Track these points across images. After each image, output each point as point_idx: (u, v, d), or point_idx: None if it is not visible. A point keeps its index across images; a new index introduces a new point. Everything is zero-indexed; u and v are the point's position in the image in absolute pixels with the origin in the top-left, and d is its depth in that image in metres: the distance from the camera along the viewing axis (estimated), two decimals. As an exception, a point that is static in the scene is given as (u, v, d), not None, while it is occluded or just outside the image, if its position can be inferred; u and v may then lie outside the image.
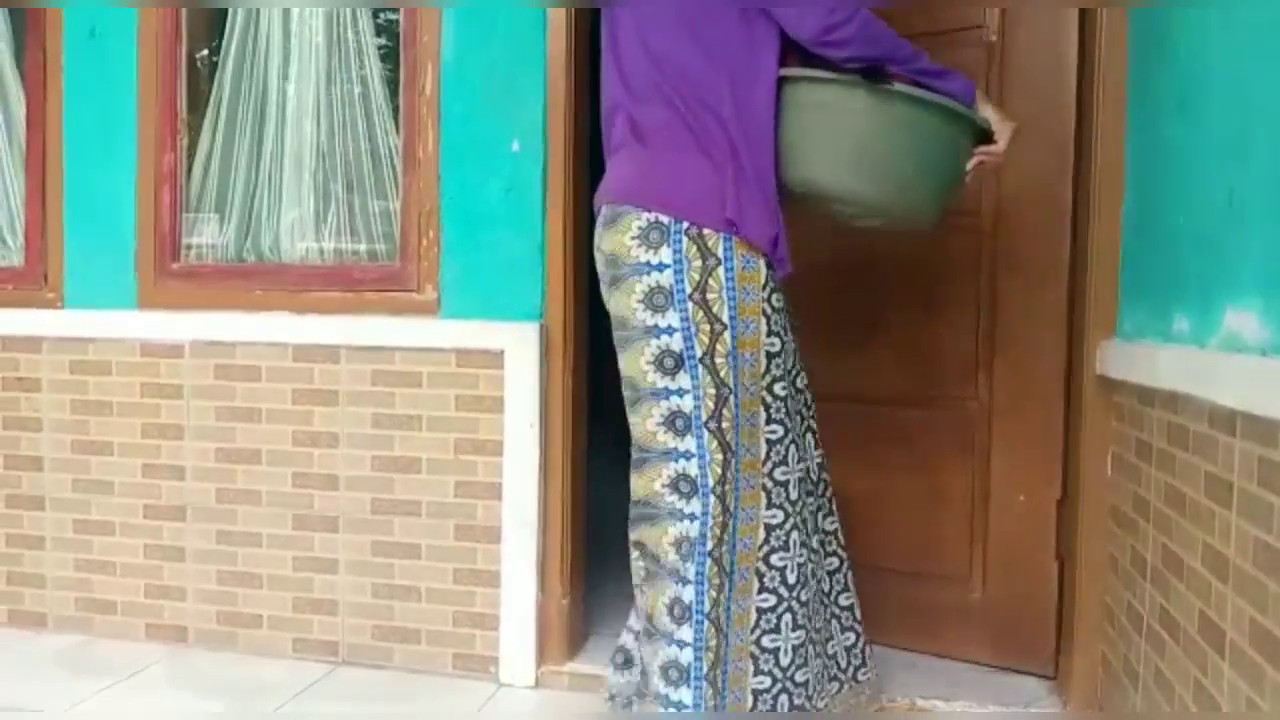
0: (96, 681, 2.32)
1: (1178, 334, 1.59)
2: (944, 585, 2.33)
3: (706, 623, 1.67)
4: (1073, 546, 2.09)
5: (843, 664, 1.89)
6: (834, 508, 1.91)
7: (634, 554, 1.77)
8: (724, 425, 1.67)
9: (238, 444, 2.48)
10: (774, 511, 1.72)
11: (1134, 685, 1.74)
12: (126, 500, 2.56)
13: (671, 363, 1.68)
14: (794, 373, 1.80)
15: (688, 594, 1.67)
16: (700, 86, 1.65)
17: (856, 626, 1.91)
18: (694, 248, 1.65)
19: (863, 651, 1.92)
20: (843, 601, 1.90)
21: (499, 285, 2.32)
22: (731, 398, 1.67)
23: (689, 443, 1.68)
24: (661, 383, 1.69)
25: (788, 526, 1.74)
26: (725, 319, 1.66)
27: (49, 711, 2.16)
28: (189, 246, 2.62)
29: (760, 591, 1.71)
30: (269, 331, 2.45)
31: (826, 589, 1.87)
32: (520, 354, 2.29)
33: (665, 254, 1.65)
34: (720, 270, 1.66)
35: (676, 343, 1.67)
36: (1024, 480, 2.24)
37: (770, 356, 1.71)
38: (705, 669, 1.68)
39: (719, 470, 1.67)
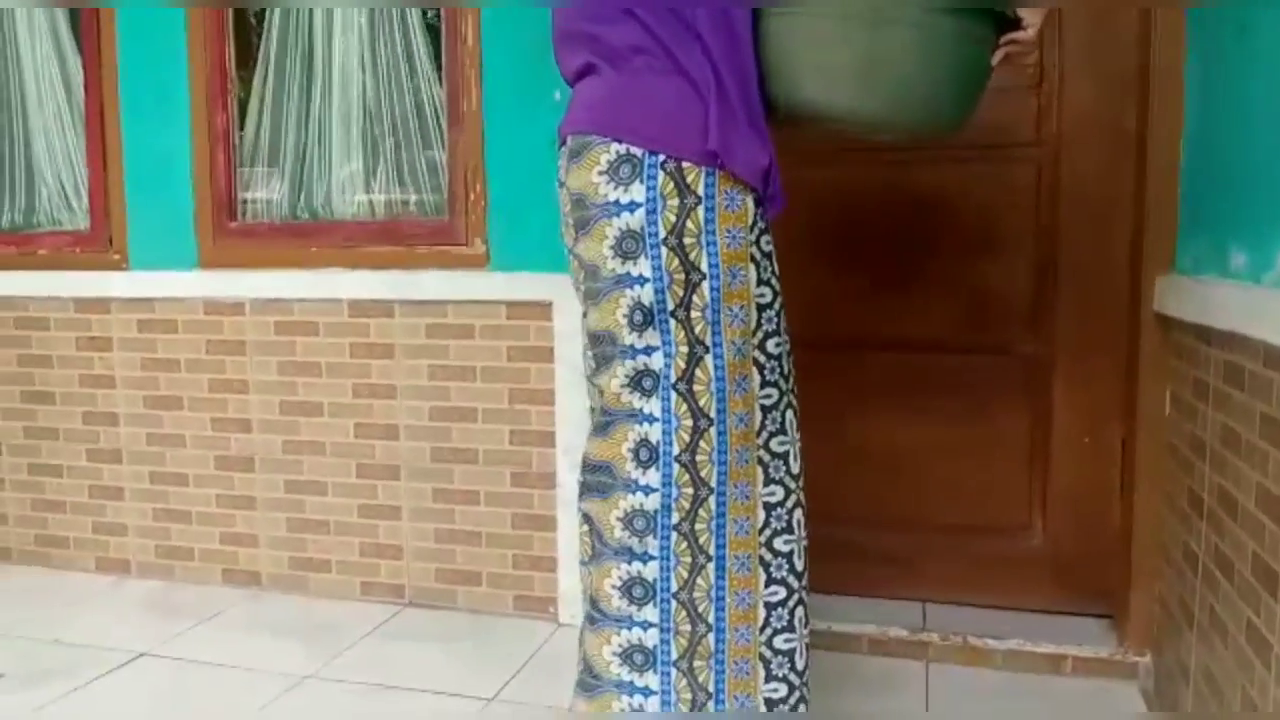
0: (180, 623, 2.45)
1: (1235, 270, 1.55)
2: (1001, 535, 2.30)
3: (674, 603, 1.49)
4: (1131, 487, 2.07)
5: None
6: (797, 524, 1.56)
7: (582, 526, 1.57)
8: (696, 388, 1.45)
9: (300, 397, 2.56)
10: (772, 488, 1.52)
11: (1189, 625, 1.74)
12: (198, 452, 2.67)
13: (640, 317, 1.45)
14: (788, 329, 1.57)
15: (650, 571, 1.48)
16: None
17: (792, 679, 1.55)
18: (671, 184, 1.41)
19: (794, 708, 1.57)
20: (779, 644, 1.54)
21: (546, 237, 2.32)
22: (709, 357, 1.45)
23: (653, 405, 1.47)
24: (629, 339, 1.47)
25: (790, 504, 1.54)
26: (704, 267, 1.43)
27: (141, 650, 2.29)
28: (245, 202, 2.67)
29: (769, 584, 1.52)
30: (325, 288, 2.51)
31: (760, 624, 1.52)
32: (568, 304, 2.30)
33: (638, 191, 1.41)
34: (700, 210, 1.42)
35: (648, 294, 1.44)
36: (1089, 422, 2.21)
37: (761, 309, 1.49)
38: (675, 655, 1.49)
39: (686, 438, 1.46)
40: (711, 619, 1.49)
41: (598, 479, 1.53)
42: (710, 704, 1.50)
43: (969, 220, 2.28)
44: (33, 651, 2.30)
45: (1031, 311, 2.25)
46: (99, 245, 2.73)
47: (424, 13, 2.53)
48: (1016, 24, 1.47)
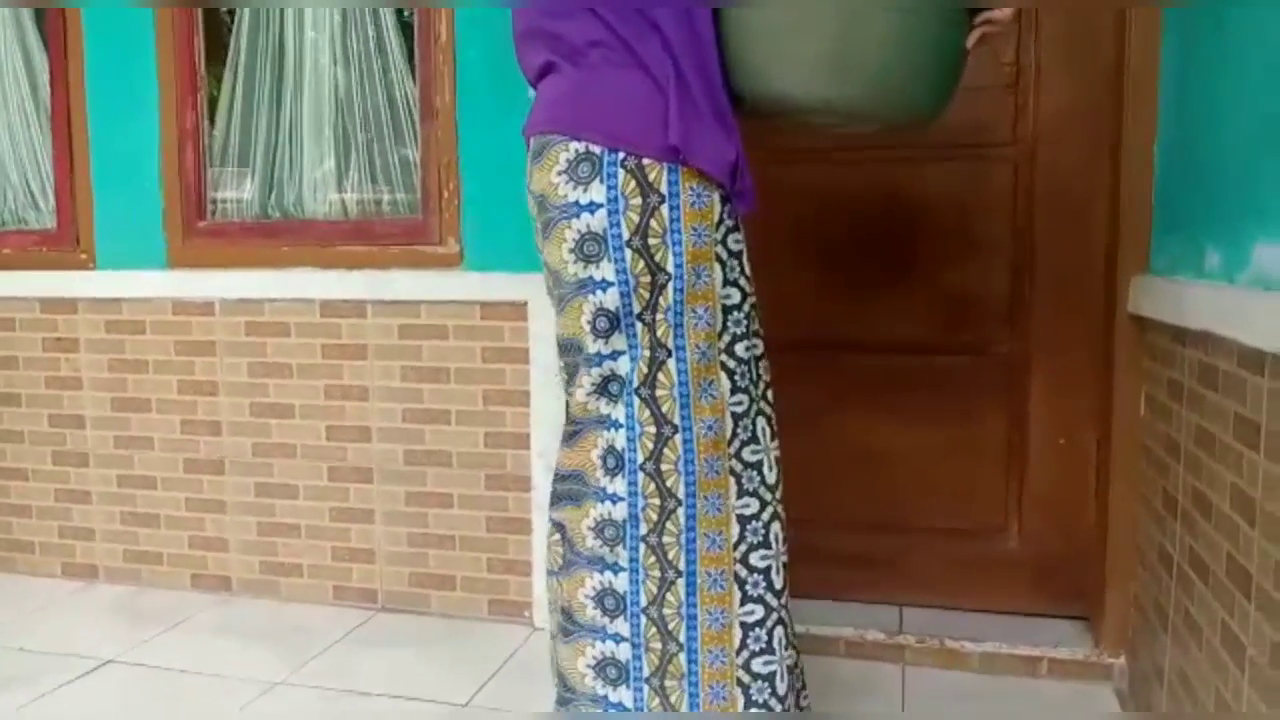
0: (148, 629, 2.40)
1: (1210, 270, 1.54)
2: (979, 538, 2.30)
3: (644, 619, 1.44)
4: (1106, 488, 2.06)
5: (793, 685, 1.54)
6: (775, 538, 1.50)
7: (553, 535, 1.54)
8: (659, 393, 1.41)
9: (271, 399, 2.52)
10: (747, 500, 1.46)
11: (1163, 626, 1.73)
12: (167, 455, 2.62)
13: (605, 323, 1.41)
14: (759, 333, 1.51)
15: (620, 583, 1.44)
16: None
17: (772, 704, 1.47)
18: (632, 182, 1.36)
19: (802, 673, 1.56)
20: (757, 667, 1.47)
21: (521, 237, 2.28)
22: (671, 361, 1.41)
23: (618, 411, 1.43)
24: (593, 346, 1.43)
25: (766, 517, 1.48)
26: (670, 268, 1.38)
27: (107, 657, 2.24)
28: (215, 202, 2.64)
29: (744, 603, 1.46)
30: (296, 288, 2.47)
31: (736, 645, 1.46)
32: (544, 305, 2.27)
33: (597, 191, 1.36)
34: (664, 209, 1.37)
35: (611, 299, 1.39)
36: (1064, 423, 2.21)
37: (727, 310, 1.44)
38: (646, 672, 1.45)
39: (649, 445, 1.41)
40: (682, 638, 1.44)
41: (568, 487, 1.50)
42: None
43: (946, 220, 2.27)
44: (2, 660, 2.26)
45: (1009, 312, 2.24)
46: (66, 245, 2.69)
47: (399, 9, 2.50)
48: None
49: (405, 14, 2.49)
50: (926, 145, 2.21)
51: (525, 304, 2.31)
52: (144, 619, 2.47)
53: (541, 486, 2.33)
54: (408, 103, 2.50)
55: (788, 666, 1.49)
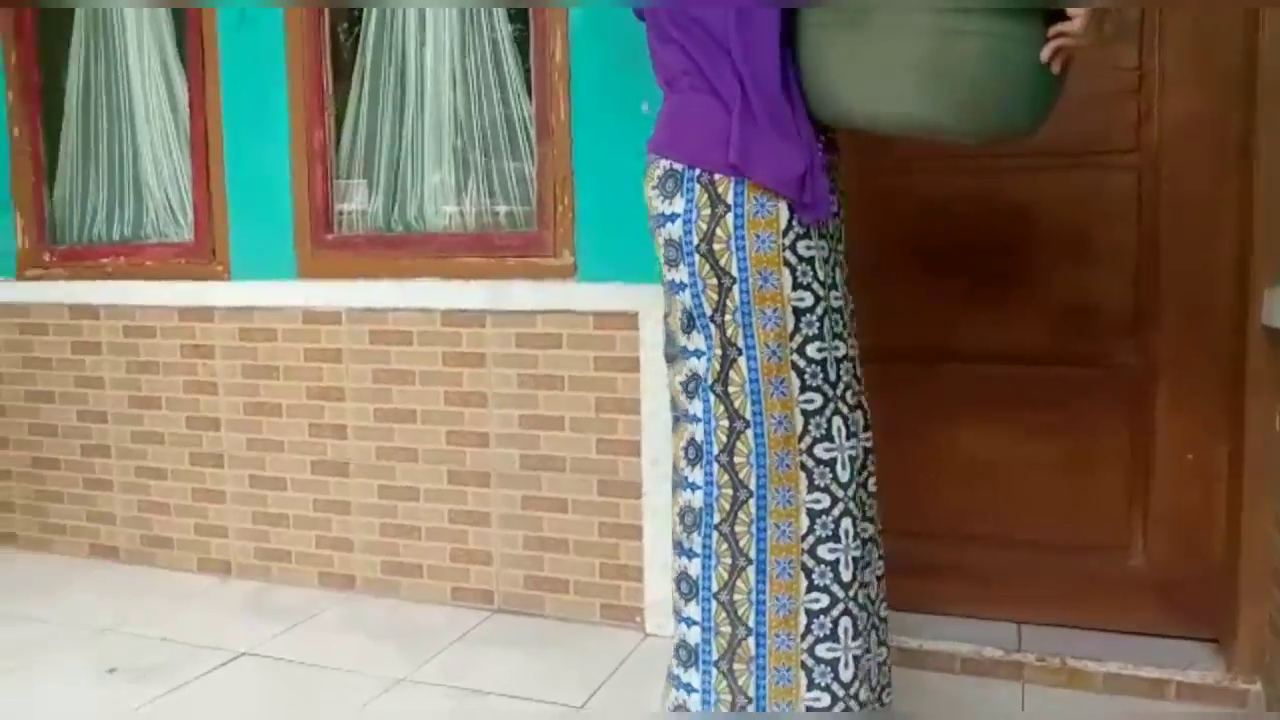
0: (278, 624, 2.53)
1: (1355, 284, 1.49)
2: (1100, 554, 2.23)
3: (714, 604, 1.53)
4: (1238, 505, 1.99)
5: (874, 682, 1.63)
6: (845, 533, 1.56)
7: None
8: (730, 390, 1.51)
9: (394, 404, 2.62)
10: (818, 495, 1.52)
11: (1302, 650, 1.67)
12: (296, 457, 2.75)
13: (687, 321, 1.56)
14: (841, 336, 1.58)
15: (694, 568, 1.55)
16: (704, 19, 1.48)
17: (835, 689, 1.56)
18: (705, 195, 1.50)
19: (889, 670, 1.69)
20: (883, 613, 1.66)
21: (633, 248, 2.34)
22: (742, 359, 1.50)
23: (697, 406, 1.55)
24: (683, 340, 1.58)
25: (837, 513, 1.53)
26: (734, 271, 1.49)
27: (241, 649, 2.37)
28: (340, 214, 2.75)
29: (809, 590, 1.52)
30: (418, 298, 2.56)
31: (873, 595, 1.62)
32: (654, 314, 2.31)
33: (679, 203, 1.52)
34: (729, 217, 1.48)
35: (687, 299, 1.54)
36: (1191, 438, 2.14)
37: (799, 313, 1.51)
38: (715, 655, 1.54)
39: (724, 438, 1.52)
40: (751, 622, 1.52)
41: (673, 475, 1.64)
42: (750, 708, 1.52)
43: (1066, 229, 2.23)
44: (141, 648, 2.40)
45: (1131, 322, 2.18)
46: (203, 256, 2.84)
47: (513, 27, 2.57)
48: (1061, 15, 1.41)
49: (517, 30, 2.56)
50: (1046, 153, 2.17)
51: (636, 314, 2.35)
52: (274, 614, 2.60)
53: (653, 493, 2.37)
54: (524, 120, 2.57)
55: (855, 656, 1.54)
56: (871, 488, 1.65)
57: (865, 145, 2.26)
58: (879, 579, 1.65)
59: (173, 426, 2.89)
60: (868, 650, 1.58)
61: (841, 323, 1.58)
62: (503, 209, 2.63)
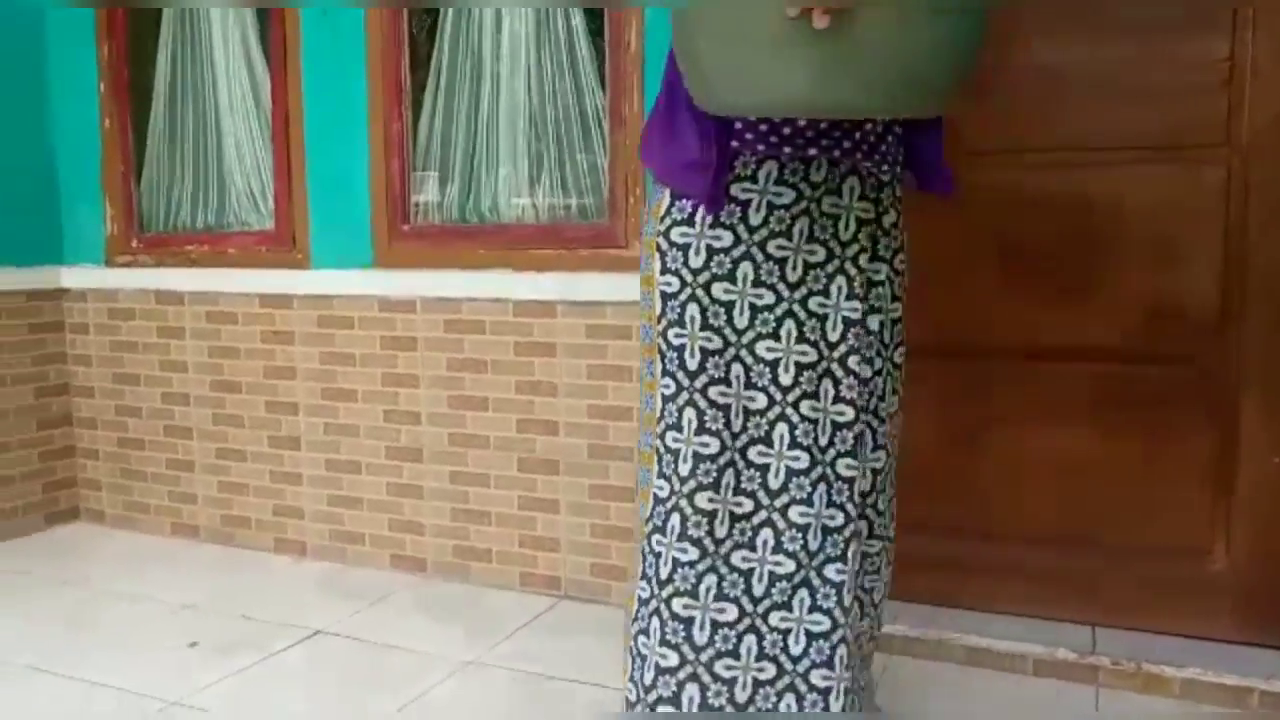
0: (352, 604, 2.59)
1: None
2: (1180, 558, 2.18)
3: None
4: (1326, 510, 1.94)
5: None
6: (761, 544, 1.49)
7: None
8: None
9: (466, 392, 2.67)
10: (660, 483, 1.51)
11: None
12: (370, 442, 2.81)
13: None
14: (742, 335, 1.48)
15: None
16: None
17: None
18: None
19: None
20: (719, 670, 1.52)
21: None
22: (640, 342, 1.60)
23: None
24: None
25: (668, 506, 1.50)
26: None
27: (317, 627, 2.43)
28: (416, 205, 2.80)
29: (640, 577, 1.54)
30: (491, 288, 2.60)
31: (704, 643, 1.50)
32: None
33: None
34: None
35: None
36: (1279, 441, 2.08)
37: (665, 298, 1.49)
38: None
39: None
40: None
41: None
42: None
43: (1151, 225, 2.17)
44: (221, 623, 2.48)
45: (1218, 321, 2.13)
46: (283, 245, 2.92)
47: (588, 20, 2.59)
48: None
49: (592, 23, 2.57)
50: (1132, 147, 2.13)
51: (709, 307, 2.35)
52: (348, 595, 2.66)
53: (721, 486, 2.38)
54: (597, 111, 2.58)
55: (755, 680, 1.50)
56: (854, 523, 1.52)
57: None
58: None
59: (252, 410, 2.98)
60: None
61: (753, 323, 1.48)
62: (574, 201, 2.65)
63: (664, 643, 1.50)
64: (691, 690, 1.50)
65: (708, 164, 1.44)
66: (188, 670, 2.23)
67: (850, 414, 1.50)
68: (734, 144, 1.45)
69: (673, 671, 1.50)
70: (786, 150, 1.45)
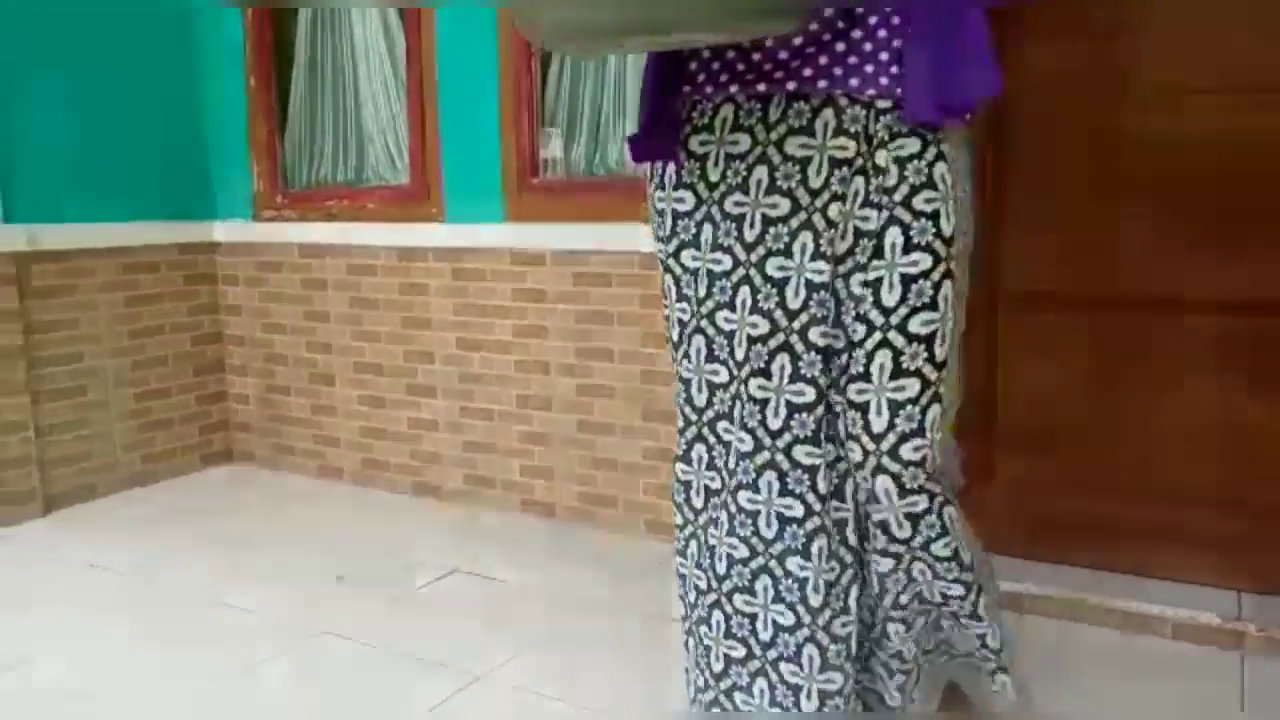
0: (485, 546, 2.71)
1: None
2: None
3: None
4: None
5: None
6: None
7: None
8: None
9: (593, 343, 2.73)
10: (713, 474, 1.44)
11: None
12: (502, 390, 2.91)
13: None
14: (703, 305, 1.38)
15: None
16: None
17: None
18: None
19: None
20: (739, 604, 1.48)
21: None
22: None
23: None
24: None
25: (722, 497, 1.44)
26: None
27: (452, 566, 2.55)
28: (545, 159, 2.85)
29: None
30: (618, 241, 2.64)
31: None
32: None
33: None
34: None
35: None
36: None
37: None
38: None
39: None
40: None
41: None
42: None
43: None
44: (365, 560, 2.63)
45: None
46: (419, 200, 3.01)
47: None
48: None
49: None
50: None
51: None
52: (481, 536, 2.78)
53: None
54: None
55: (728, 656, 1.47)
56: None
57: (1078, 79, 2.15)
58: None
59: (391, 359, 3.11)
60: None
61: (752, 296, 1.34)
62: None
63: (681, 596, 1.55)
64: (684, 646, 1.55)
65: (654, 113, 1.36)
66: (336, 601, 2.37)
67: (811, 394, 1.32)
68: (686, 88, 1.34)
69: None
70: (734, 88, 1.30)
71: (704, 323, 1.38)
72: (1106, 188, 2.18)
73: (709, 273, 1.36)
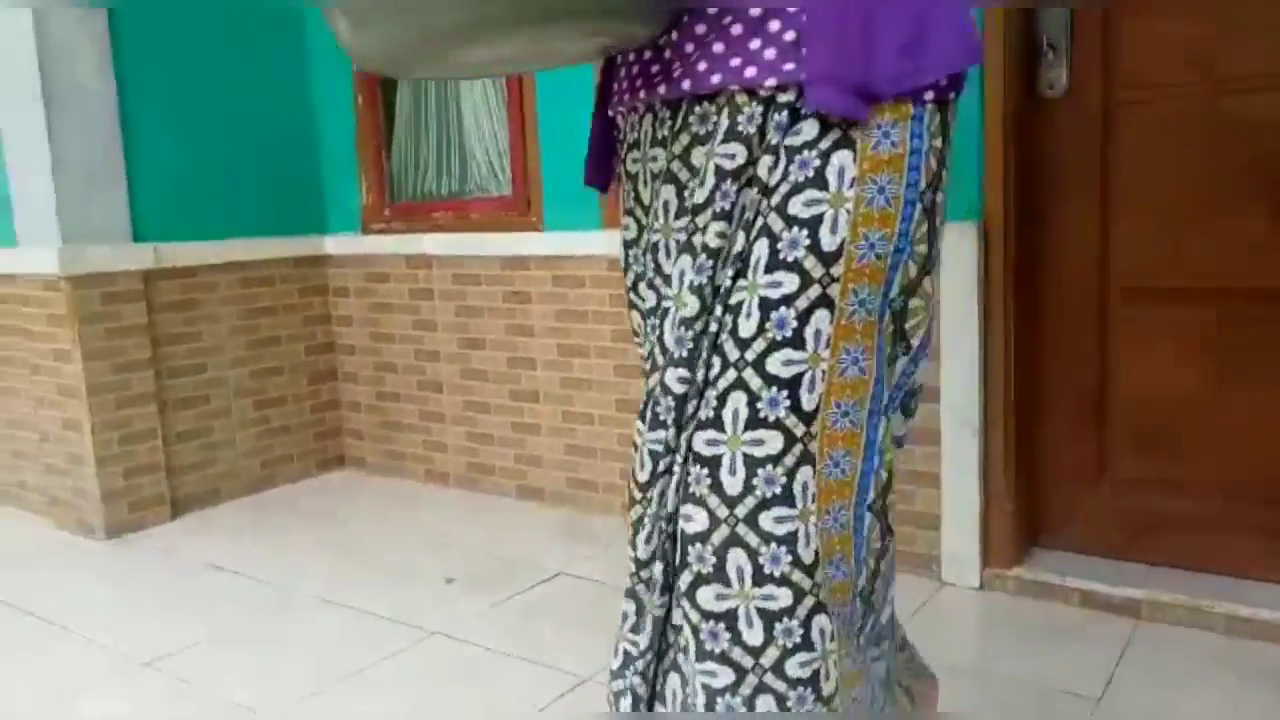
0: (588, 548, 2.74)
1: None
2: None
3: None
4: None
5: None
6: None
7: None
8: None
9: (692, 348, 2.73)
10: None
11: None
12: (602, 395, 2.95)
13: None
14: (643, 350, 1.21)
15: None
16: None
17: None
18: None
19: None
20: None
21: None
22: None
23: None
24: None
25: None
26: None
27: (556, 569, 2.60)
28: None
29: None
30: (716, 245, 2.64)
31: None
32: (959, 254, 2.26)
33: None
34: None
35: None
36: None
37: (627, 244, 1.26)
38: None
39: None
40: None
41: None
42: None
43: None
44: (473, 562, 2.69)
45: None
46: (519, 210, 3.08)
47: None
48: None
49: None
50: None
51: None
52: (584, 539, 2.82)
53: (952, 443, 2.33)
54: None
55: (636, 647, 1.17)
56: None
57: (1191, 64, 2.07)
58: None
59: (495, 365, 3.18)
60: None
61: (656, 336, 1.11)
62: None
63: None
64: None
65: (591, 133, 1.25)
66: (446, 603, 2.44)
67: (659, 441, 1.08)
68: (613, 99, 1.18)
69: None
70: (643, 94, 1.12)
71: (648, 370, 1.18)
72: (1220, 176, 2.09)
73: (640, 314, 1.23)
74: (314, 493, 3.42)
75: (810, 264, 1.00)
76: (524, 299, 3.07)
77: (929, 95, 1.03)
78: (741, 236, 1.04)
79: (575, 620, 2.31)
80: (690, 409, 1.06)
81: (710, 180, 1.05)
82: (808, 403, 1.01)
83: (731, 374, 1.02)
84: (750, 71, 1.02)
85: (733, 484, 1.02)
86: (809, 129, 1.01)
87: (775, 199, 1.02)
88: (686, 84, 1.06)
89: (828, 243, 1.00)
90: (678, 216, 1.11)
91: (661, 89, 1.09)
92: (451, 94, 3.30)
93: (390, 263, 3.40)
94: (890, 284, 1.04)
